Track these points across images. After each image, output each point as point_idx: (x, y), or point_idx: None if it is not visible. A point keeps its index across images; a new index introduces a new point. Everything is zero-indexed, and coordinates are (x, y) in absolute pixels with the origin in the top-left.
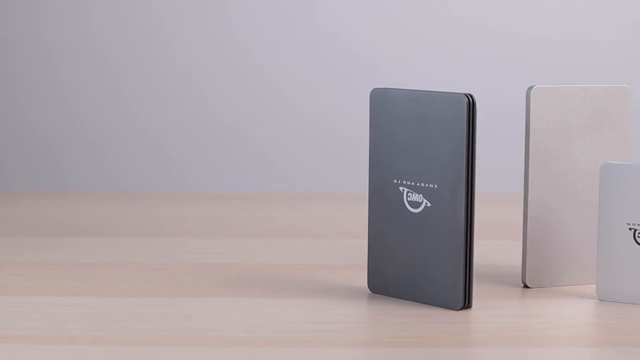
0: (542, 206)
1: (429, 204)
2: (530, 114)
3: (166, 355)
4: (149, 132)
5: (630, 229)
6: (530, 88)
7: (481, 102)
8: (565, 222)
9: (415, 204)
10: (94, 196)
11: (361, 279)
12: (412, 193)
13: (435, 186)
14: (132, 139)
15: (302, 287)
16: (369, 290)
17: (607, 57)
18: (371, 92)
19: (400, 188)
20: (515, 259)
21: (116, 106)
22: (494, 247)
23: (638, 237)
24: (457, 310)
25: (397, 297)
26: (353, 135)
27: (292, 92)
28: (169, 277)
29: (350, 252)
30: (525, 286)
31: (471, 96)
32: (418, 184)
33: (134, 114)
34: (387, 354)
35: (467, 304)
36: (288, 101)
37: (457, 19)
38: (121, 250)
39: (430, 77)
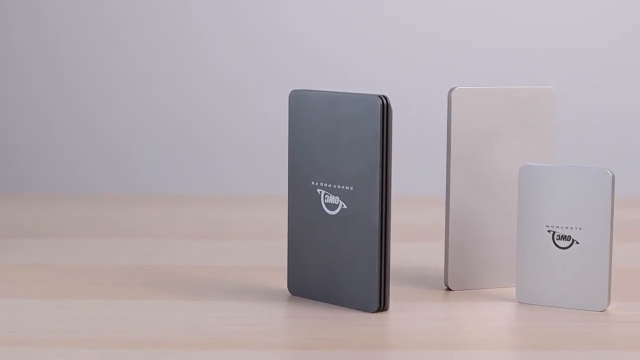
0: (464, 209)
1: (345, 206)
2: (452, 116)
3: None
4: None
5: (549, 231)
6: (451, 90)
7: (406, 104)
8: (488, 225)
9: (332, 206)
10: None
11: (283, 281)
12: (329, 195)
13: (351, 188)
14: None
15: (223, 289)
16: (289, 292)
17: (532, 59)
18: (290, 93)
19: (318, 190)
20: (439, 262)
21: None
22: (418, 249)
23: (557, 239)
24: (373, 312)
25: (316, 300)
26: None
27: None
28: (89, 278)
29: (274, 254)
30: (448, 289)
31: (385, 97)
32: (334, 186)
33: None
34: (300, 356)
35: (383, 306)
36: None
37: (387, 20)
38: (46, 252)
39: (355, 78)
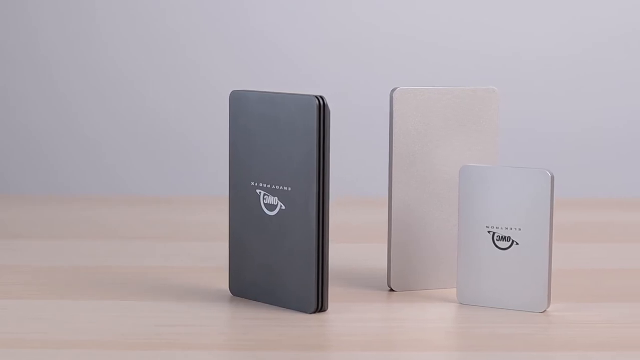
0: (406, 209)
1: (283, 207)
2: (394, 117)
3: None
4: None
5: (489, 232)
6: (393, 90)
7: (350, 104)
8: (431, 225)
9: (271, 207)
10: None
11: (226, 282)
12: (268, 196)
13: (289, 189)
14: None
15: (166, 290)
16: (230, 293)
17: (476, 60)
18: (230, 94)
19: (258, 191)
20: (383, 263)
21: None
22: (363, 250)
23: (497, 240)
24: (311, 313)
25: (257, 301)
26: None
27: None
28: (26, 279)
29: (219, 255)
30: (391, 290)
31: (322, 98)
32: (273, 187)
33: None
34: (234, 357)
35: (320, 307)
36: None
37: (332, 19)
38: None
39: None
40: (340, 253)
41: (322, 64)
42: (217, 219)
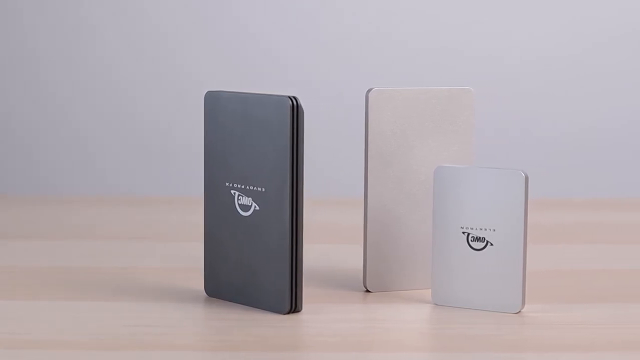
0: (382, 209)
1: (257, 208)
2: (369, 117)
3: None
4: None
5: (463, 232)
6: (369, 90)
7: (327, 104)
8: (406, 226)
9: (246, 208)
10: None
11: (202, 282)
12: (242, 196)
13: (263, 189)
14: None
15: (140, 290)
16: (205, 294)
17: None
18: (205, 95)
19: (232, 191)
20: (358, 263)
21: None
22: (339, 250)
23: (471, 241)
24: (284, 314)
25: (231, 301)
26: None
27: (132, 93)
28: (2, 279)
29: (194, 255)
30: (367, 290)
31: (295, 98)
32: (247, 187)
33: None
34: (206, 357)
35: (294, 307)
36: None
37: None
38: None
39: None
40: (316, 254)
41: (300, 63)
42: (193, 219)
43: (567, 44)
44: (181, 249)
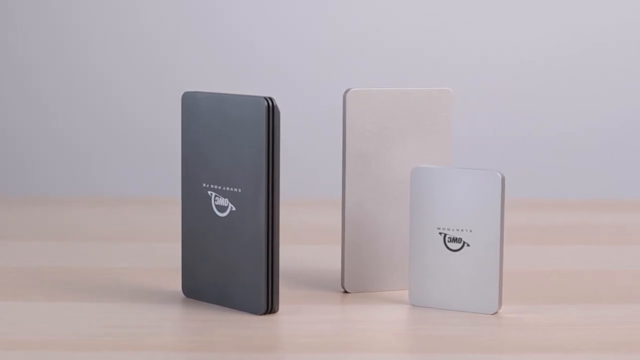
0: (360, 210)
1: (234, 208)
2: (347, 117)
3: None
4: None
5: (440, 233)
6: (346, 91)
7: (305, 104)
8: (384, 227)
9: (222, 208)
10: None
11: (180, 283)
12: (219, 197)
13: (239, 190)
14: None
15: (117, 291)
16: (183, 294)
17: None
18: (182, 95)
19: (209, 192)
20: (336, 264)
21: None
22: (317, 251)
23: (448, 241)
24: (260, 315)
25: (209, 302)
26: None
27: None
28: None
29: (173, 255)
30: (345, 291)
31: (271, 99)
32: (224, 188)
33: None
34: (183, 358)
35: (270, 308)
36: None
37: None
38: None
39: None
40: (293, 254)
41: (280, 64)
42: (172, 219)
43: (567, 44)
44: (159, 249)
